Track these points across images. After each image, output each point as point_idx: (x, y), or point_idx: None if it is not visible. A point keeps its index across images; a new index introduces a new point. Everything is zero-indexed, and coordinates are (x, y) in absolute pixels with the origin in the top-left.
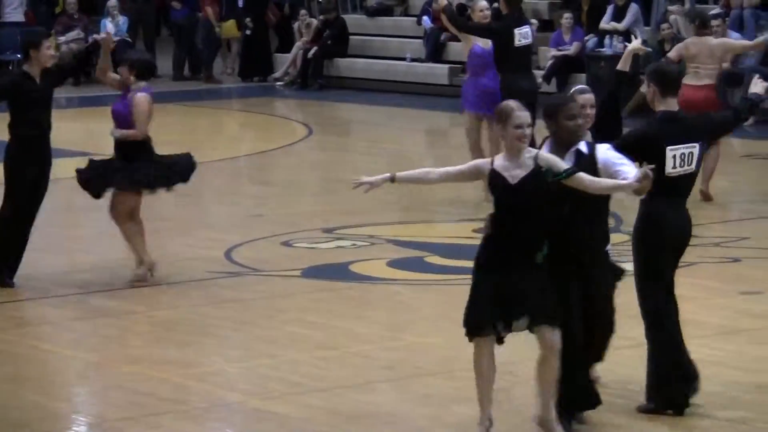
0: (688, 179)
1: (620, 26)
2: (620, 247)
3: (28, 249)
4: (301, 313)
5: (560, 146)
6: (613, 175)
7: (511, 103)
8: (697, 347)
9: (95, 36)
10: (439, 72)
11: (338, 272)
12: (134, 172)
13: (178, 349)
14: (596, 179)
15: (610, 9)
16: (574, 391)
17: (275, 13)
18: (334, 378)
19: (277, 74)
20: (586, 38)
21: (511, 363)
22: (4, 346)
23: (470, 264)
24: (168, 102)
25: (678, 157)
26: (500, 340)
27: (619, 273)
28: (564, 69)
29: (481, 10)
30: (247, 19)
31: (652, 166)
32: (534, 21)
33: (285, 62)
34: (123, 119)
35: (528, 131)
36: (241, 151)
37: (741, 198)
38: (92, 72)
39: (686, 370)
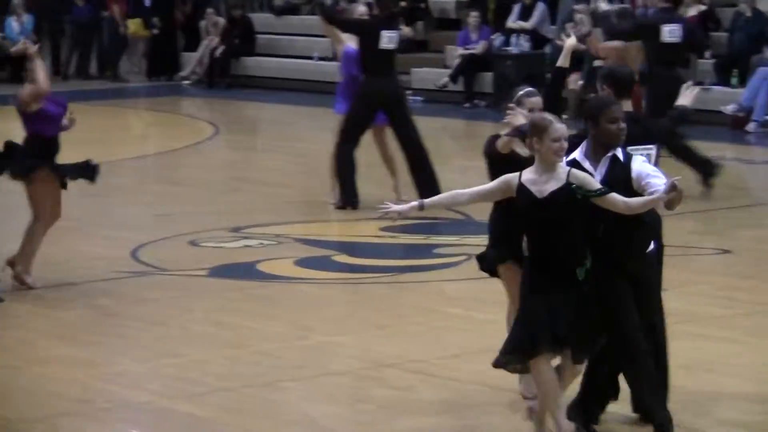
0: None
1: (527, 25)
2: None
3: None
4: (208, 313)
5: (598, 149)
6: (643, 187)
7: (548, 116)
8: None
9: (12, 50)
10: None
11: (245, 271)
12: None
13: (85, 350)
14: (628, 200)
15: (516, 8)
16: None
17: (183, 11)
18: (242, 377)
19: (184, 73)
20: (493, 37)
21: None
22: None
23: (379, 262)
24: (74, 101)
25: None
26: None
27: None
28: (471, 67)
29: (360, 14)
30: (155, 18)
31: (679, 177)
32: (405, 28)
33: (192, 61)
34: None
35: (566, 144)
36: (148, 150)
37: None
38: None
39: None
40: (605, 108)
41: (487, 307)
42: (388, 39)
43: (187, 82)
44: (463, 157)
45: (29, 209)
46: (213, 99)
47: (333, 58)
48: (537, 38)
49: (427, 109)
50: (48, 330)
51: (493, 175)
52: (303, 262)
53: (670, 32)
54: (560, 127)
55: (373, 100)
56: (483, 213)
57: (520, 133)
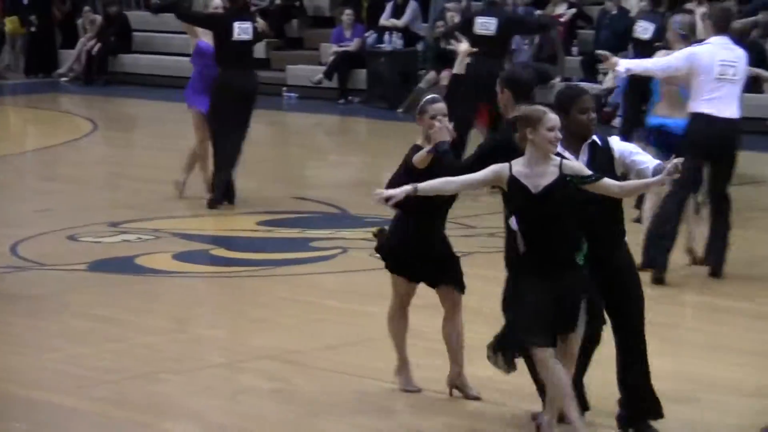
0: None
1: (399, 23)
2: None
3: None
4: (87, 307)
5: (573, 139)
6: (630, 165)
7: (541, 107)
8: (474, 334)
9: None
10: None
11: (124, 266)
12: None
13: None
14: (622, 184)
15: (389, 6)
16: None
17: (61, 9)
18: (123, 370)
19: (61, 70)
20: (367, 34)
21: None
22: None
23: (255, 255)
24: None
25: None
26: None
27: None
28: (345, 64)
29: (216, 8)
30: (32, 16)
31: (681, 159)
32: (261, 21)
33: (70, 58)
34: None
35: (560, 134)
36: (26, 146)
37: None
38: None
39: None
40: (576, 98)
41: (361, 300)
42: (240, 31)
43: (65, 79)
44: (337, 153)
45: None
46: (91, 96)
47: None
48: (409, 36)
49: (302, 105)
50: None
51: (409, 181)
52: (181, 256)
53: (482, 25)
54: (554, 117)
55: (229, 92)
56: (358, 207)
57: (436, 152)
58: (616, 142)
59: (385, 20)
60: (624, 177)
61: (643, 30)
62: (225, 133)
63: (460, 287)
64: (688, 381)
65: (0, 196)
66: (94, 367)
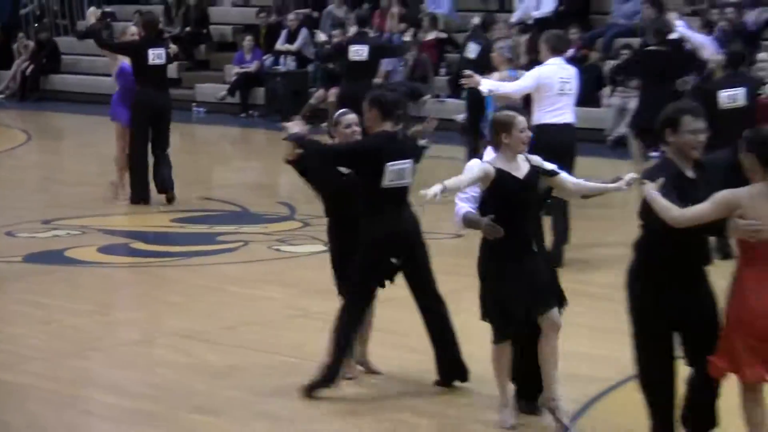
0: (403, 191)
1: (292, 48)
2: (293, 233)
3: None
4: (22, 294)
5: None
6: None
7: (509, 111)
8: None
9: None
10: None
11: (55, 257)
12: None
13: None
14: (578, 182)
15: (283, 33)
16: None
17: None
18: (53, 348)
19: None
20: (264, 57)
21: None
22: None
23: (170, 248)
24: None
25: (395, 171)
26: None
27: None
28: (246, 83)
29: (132, 34)
30: None
31: (634, 175)
32: (173, 46)
33: (6, 78)
34: None
35: (530, 133)
36: None
37: None
38: None
39: None
40: (516, 119)
41: (261, 286)
42: (154, 56)
43: (1, 96)
44: (240, 159)
45: None
46: (25, 111)
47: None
48: (301, 59)
49: (209, 119)
50: None
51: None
52: (105, 249)
53: (356, 51)
54: (523, 119)
55: (146, 107)
56: (258, 206)
57: (295, 139)
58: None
59: (280, 45)
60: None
61: (471, 51)
62: (143, 142)
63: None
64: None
65: None
66: (28, 345)
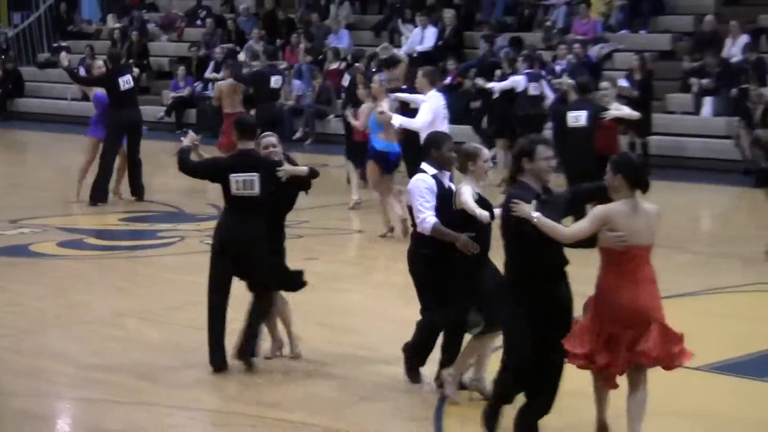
0: (250, 199)
1: (219, 76)
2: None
3: None
4: None
5: (441, 169)
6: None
7: (475, 144)
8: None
9: None
10: (88, 108)
11: (20, 251)
12: None
13: None
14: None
15: (211, 63)
16: None
17: None
18: (19, 326)
19: None
20: (195, 84)
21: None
22: None
23: (118, 243)
24: None
25: (240, 182)
26: None
27: None
28: (180, 106)
29: (99, 67)
30: None
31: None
32: (136, 70)
33: None
34: None
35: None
36: None
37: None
38: None
39: None
40: (447, 139)
41: (195, 273)
42: (123, 82)
43: None
44: (175, 168)
45: None
46: None
47: (82, 99)
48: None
49: (150, 135)
50: None
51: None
52: (63, 244)
53: (275, 81)
54: (487, 152)
55: (121, 126)
56: (193, 206)
57: (179, 151)
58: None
59: (208, 74)
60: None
61: (345, 80)
62: (113, 155)
63: None
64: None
65: None
66: None
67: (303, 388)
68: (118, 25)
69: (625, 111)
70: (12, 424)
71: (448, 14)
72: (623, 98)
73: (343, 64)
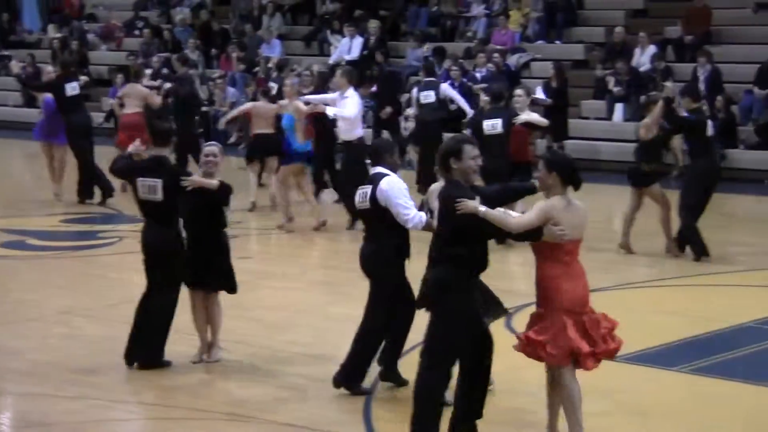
0: (154, 204)
1: (155, 83)
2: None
3: None
4: None
5: (395, 172)
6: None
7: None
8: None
9: None
10: (29, 114)
11: None
12: None
13: None
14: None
15: (148, 72)
16: None
17: None
18: None
19: None
20: None
21: None
22: None
23: (60, 243)
24: None
25: (144, 186)
26: None
27: None
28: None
29: (49, 73)
30: None
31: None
32: (84, 78)
33: None
34: None
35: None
36: None
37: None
38: None
39: None
40: (395, 146)
41: (133, 272)
42: (70, 89)
43: None
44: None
45: None
46: None
47: (25, 105)
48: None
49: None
50: None
51: None
52: (6, 245)
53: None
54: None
55: (73, 129)
56: (130, 209)
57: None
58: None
59: (146, 82)
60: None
61: (272, 88)
62: (86, 153)
63: None
64: None
65: None
66: None
67: (237, 383)
68: (58, 35)
69: (534, 117)
70: None
71: (373, 25)
72: (537, 106)
73: (275, 74)
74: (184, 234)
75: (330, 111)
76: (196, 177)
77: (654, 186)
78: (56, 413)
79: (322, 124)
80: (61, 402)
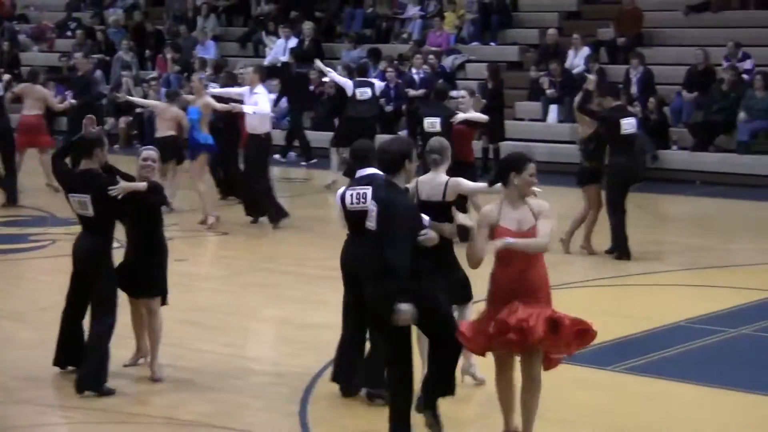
0: (87, 219)
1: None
2: None
3: None
4: None
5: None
6: None
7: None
8: None
9: None
10: None
11: None
12: None
13: None
14: None
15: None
16: None
17: None
18: None
19: None
20: (67, 93)
21: None
22: None
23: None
24: None
25: (76, 202)
26: None
27: None
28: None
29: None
30: None
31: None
32: (6, 76)
33: None
34: None
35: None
36: None
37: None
38: None
39: None
40: (375, 151)
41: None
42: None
43: None
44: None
45: None
46: None
47: None
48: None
49: None
50: None
51: None
52: None
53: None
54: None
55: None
56: (63, 211)
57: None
58: None
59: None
60: None
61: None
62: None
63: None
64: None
65: None
66: None
67: (173, 384)
68: None
69: (474, 114)
70: None
71: (308, 26)
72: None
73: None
74: (124, 243)
75: (248, 110)
76: (123, 183)
77: (592, 186)
78: None
79: (231, 122)
80: None
